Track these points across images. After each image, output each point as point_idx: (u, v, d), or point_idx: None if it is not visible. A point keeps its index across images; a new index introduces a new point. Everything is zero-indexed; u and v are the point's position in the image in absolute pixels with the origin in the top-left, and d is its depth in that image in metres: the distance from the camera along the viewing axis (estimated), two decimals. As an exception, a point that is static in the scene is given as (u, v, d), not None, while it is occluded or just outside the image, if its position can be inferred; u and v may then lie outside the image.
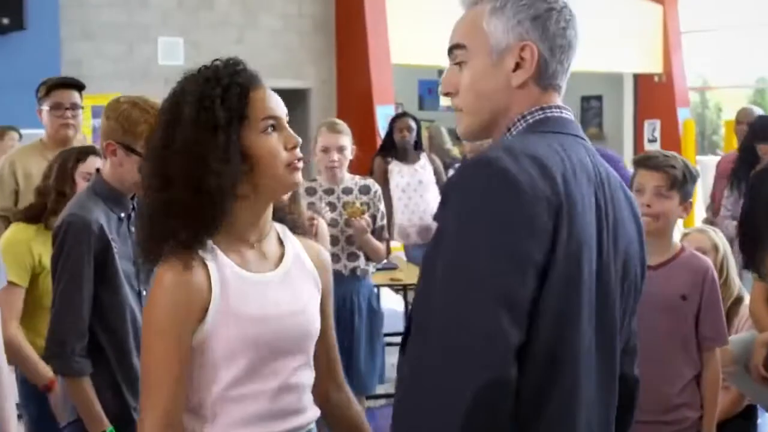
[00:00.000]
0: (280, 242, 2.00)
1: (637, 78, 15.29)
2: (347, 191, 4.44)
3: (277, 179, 1.89)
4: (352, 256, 4.38)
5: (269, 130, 1.88)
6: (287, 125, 1.93)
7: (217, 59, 1.93)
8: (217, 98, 1.84)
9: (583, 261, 1.55)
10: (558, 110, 1.68)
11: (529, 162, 1.51)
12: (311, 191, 4.37)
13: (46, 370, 2.95)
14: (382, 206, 4.52)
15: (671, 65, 14.56)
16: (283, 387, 1.91)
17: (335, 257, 4.15)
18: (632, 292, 1.73)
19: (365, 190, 4.48)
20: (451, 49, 1.72)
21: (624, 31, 13.59)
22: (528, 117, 1.66)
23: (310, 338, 1.98)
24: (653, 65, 14.64)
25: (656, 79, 14.70)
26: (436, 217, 1.58)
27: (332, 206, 4.37)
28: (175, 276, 1.81)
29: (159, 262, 1.85)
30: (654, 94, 14.80)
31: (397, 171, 6.77)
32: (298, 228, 2.09)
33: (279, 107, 1.93)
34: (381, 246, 4.44)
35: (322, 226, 3.95)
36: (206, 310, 1.82)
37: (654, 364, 2.89)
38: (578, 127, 1.71)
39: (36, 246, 3.18)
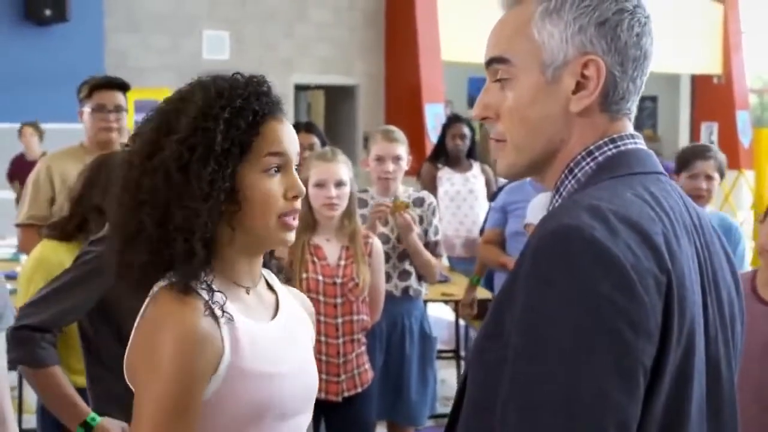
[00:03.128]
0: (269, 288, 1.74)
1: (695, 79, 14.92)
2: (400, 205, 4.12)
3: (264, 230, 1.60)
4: (404, 275, 4.07)
5: (272, 171, 1.60)
6: (294, 170, 1.63)
7: (237, 72, 1.62)
8: (221, 120, 1.54)
9: (695, 351, 1.23)
10: (632, 140, 1.33)
11: (627, 230, 1.17)
12: (362, 203, 4.05)
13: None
14: (436, 220, 4.20)
15: (731, 66, 14.19)
16: None
17: (386, 276, 3.83)
18: (737, 354, 1.40)
19: (419, 202, 4.18)
20: (490, 63, 1.37)
21: (682, 31, 13.26)
22: (596, 153, 1.31)
23: (314, 398, 1.74)
24: (712, 66, 14.27)
25: (715, 80, 14.34)
26: (497, 307, 1.23)
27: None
28: (183, 320, 1.50)
29: (142, 288, 1.58)
30: (712, 96, 14.45)
31: (447, 178, 6.40)
32: (281, 273, 1.83)
33: (291, 145, 1.63)
34: (433, 259, 4.11)
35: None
36: (217, 365, 1.53)
37: (757, 414, 2.55)
38: (657, 161, 1.36)
39: None
